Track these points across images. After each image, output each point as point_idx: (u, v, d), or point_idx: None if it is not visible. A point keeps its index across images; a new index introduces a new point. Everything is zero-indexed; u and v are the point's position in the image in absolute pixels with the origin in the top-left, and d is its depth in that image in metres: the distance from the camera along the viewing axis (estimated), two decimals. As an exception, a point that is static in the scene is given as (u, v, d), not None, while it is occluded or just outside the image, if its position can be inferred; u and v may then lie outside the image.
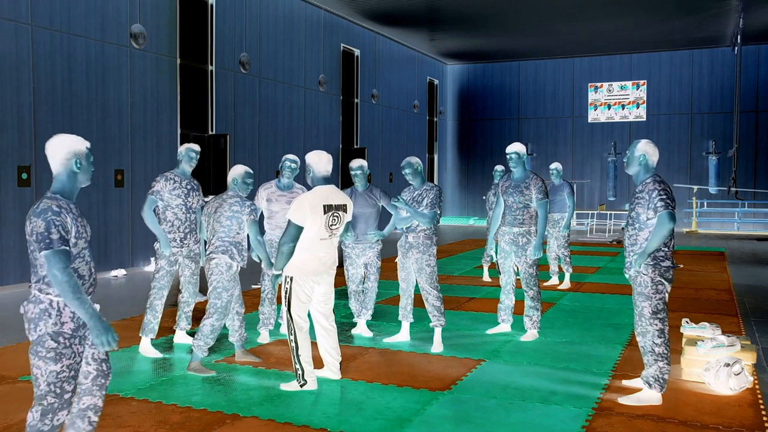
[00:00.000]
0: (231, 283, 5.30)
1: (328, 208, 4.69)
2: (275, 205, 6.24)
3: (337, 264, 4.97)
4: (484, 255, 10.03)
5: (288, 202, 6.19)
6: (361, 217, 6.38)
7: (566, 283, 9.38)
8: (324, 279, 4.87)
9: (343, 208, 4.81)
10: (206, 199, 6.22)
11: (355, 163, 6.36)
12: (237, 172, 5.40)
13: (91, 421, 3.28)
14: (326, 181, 4.83)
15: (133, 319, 7.18)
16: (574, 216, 21.67)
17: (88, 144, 3.24)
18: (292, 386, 4.83)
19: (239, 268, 5.41)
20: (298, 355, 4.78)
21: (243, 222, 5.33)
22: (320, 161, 4.80)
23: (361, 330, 6.54)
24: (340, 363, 5.12)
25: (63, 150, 3.13)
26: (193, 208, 5.87)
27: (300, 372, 4.80)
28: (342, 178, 16.91)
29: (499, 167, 9.72)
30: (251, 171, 5.48)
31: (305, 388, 4.80)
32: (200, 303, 7.77)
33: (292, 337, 4.78)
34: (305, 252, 4.71)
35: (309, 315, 4.93)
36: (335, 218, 4.75)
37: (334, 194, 4.78)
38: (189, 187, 5.86)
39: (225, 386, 4.92)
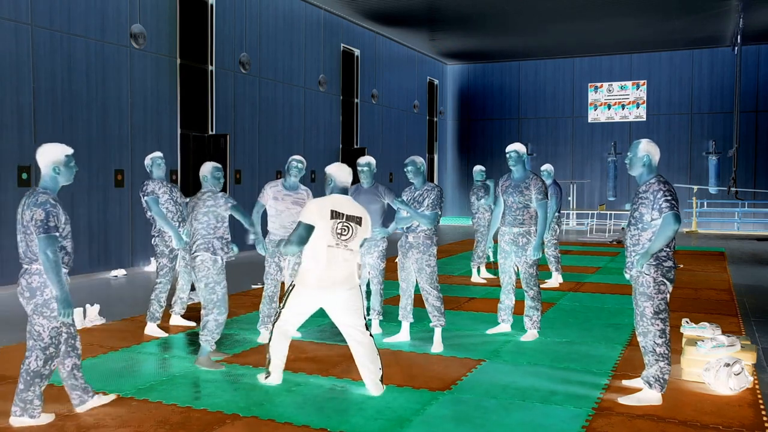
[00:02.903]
0: (220, 276, 5.37)
1: (336, 215, 4.58)
2: (281, 204, 6.26)
3: (356, 281, 4.74)
4: (474, 257, 9.95)
5: (293, 203, 6.24)
6: None
7: (552, 282, 9.49)
8: (334, 294, 4.64)
9: (356, 219, 4.65)
10: (186, 200, 6.47)
11: (363, 159, 6.48)
12: (206, 168, 5.53)
13: (77, 377, 4.28)
14: (344, 191, 4.81)
15: (133, 319, 7.18)
16: (573, 216, 21.78)
17: (69, 152, 4.10)
18: (261, 377, 4.99)
19: (224, 262, 5.45)
20: (269, 347, 4.90)
21: (220, 215, 5.37)
22: (341, 173, 4.80)
23: (373, 329, 6.59)
24: (381, 377, 4.79)
25: (44, 158, 4.04)
26: (179, 202, 6.59)
27: (267, 362, 4.92)
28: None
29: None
30: (219, 165, 5.62)
31: (268, 380, 4.90)
32: (195, 304, 7.76)
33: (271, 328, 4.88)
34: (311, 260, 4.61)
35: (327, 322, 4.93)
36: (345, 228, 4.60)
37: (347, 204, 4.69)
38: (169, 185, 6.62)
39: (225, 386, 4.92)
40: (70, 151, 4.11)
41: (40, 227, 3.87)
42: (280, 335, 4.85)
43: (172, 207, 6.49)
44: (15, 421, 4.07)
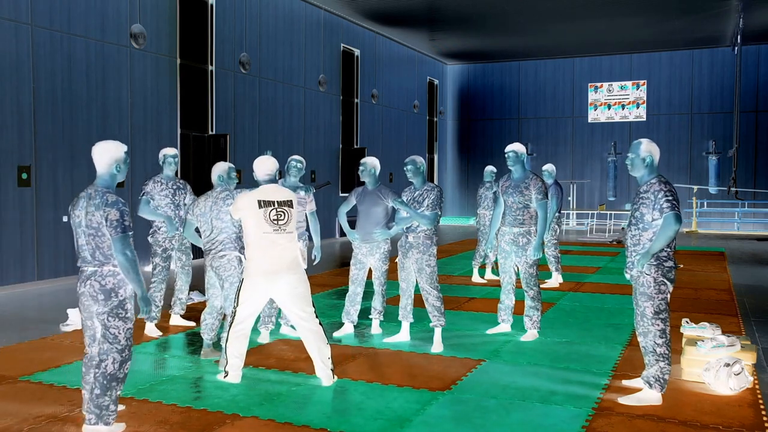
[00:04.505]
0: (243, 275, 5.39)
1: (265, 203, 4.77)
2: None
3: (302, 266, 4.93)
4: (476, 255, 9.91)
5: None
6: (367, 216, 6.37)
7: (552, 282, 9.49)
8: (281, 280, 4.80)
9: (287, 203, 4.86)
10: (194, 197, 6.47)
11: (363, 159, 6.50)
12: (221, 168, 5.61)
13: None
14: (271, 182, 4.97)
15: (133, 319, 7.18)
16: (573, 216, 21.78)
17: (126, 148, 4.01)
18: (220, 376, 5.05)
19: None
20: (225, 346, 4.96)
21: None
22: (261, 166, 4.98)
23: (373, 329, 6.62)
24: (333, 369, 4.97)
25: (105, 157, 3.91)
26: (180, 205, 6.60)
27: (225, 362, 4.97)
28: (342, 178, 16.91)
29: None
30: (233, 166, 5.72)
31: (227, 379, 4.95)
32: (194, 304, 7.77)
33: (228, 328, 4.95)
34: (253, 250, 4.79)
35: (285, 317, 4.94)
36: (281, 213, 4.81)
37: (276, 192, 4.88)
38: (175, 187, 6.62)
39: (225, 386, 4.92)
40: (126, 147, 4.06)
41: (117, 227, 3.81)
42: (238, 337, 4.92)
43: (170, 211, 6.51)
44: (89, 430, 3.84)
